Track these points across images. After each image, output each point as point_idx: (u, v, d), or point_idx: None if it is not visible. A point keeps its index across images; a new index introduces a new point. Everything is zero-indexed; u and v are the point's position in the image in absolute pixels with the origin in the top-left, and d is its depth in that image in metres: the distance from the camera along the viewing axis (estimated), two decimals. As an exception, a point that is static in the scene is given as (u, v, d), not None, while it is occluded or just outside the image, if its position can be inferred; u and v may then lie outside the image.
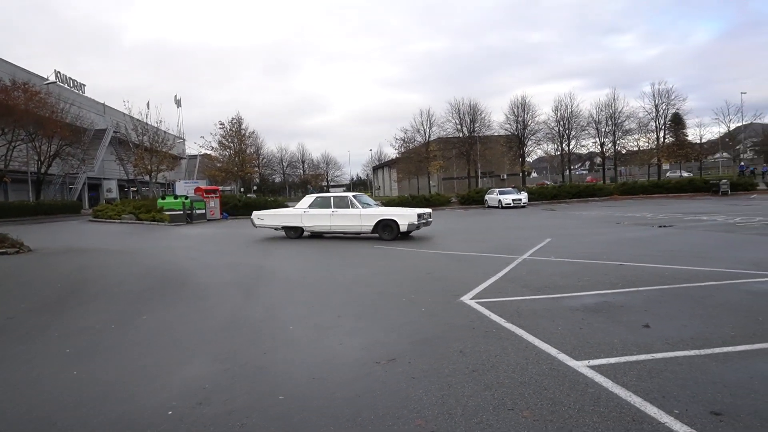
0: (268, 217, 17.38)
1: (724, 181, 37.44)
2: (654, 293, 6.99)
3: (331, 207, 16.17)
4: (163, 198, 30.78)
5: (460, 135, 55.24)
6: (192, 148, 65.55)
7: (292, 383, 4.32)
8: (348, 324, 6.18)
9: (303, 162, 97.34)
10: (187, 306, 7.51)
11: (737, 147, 59.86)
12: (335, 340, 5.52)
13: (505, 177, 65.01)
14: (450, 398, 3.84)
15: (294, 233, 16.85)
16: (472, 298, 7.12)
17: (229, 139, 48.49)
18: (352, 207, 15.98)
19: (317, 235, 16.92)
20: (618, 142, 53.66)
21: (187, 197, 29.43)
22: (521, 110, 53.77)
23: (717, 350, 4.60)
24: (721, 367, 4.21)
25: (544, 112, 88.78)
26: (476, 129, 54.96)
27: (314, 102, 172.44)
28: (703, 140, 55.54)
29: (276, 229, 17.44)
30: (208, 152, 52.90)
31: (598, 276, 8.42)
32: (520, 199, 34.22)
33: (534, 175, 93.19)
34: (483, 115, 55.09)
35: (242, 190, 59.60)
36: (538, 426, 3.34)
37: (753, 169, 53.66)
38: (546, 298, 6.97)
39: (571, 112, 54.10)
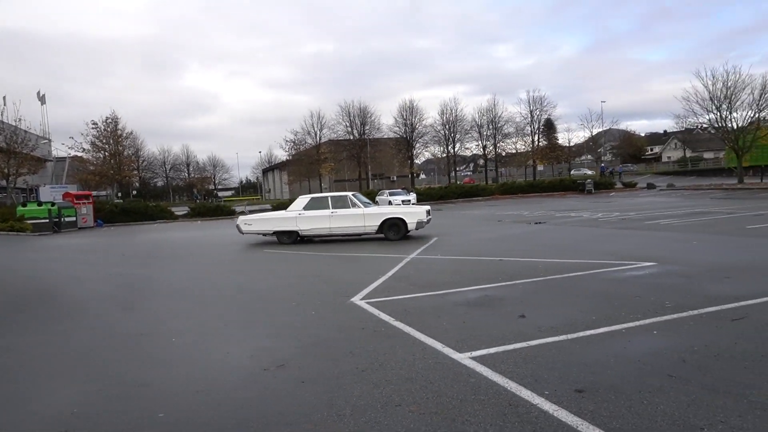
0: (257, 222, 15.91)
1: (589, 180, 41.41)
2: (530, 285, 7.54)
3: (329, 207, 14.99)
4: (25, 205, 27.67)
5: (351, 137, 55.69)
6: (60, 150, 59.63)
7: (175, 399, 4.09)
8: (235, 332, 5.98)
9: (188, 165, 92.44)
10: (55, 325, 6.82)
11: (599, 150, 66.42)
12: (222, 350, 5.31)
13: (395, 179, 66.61)
14: (339, 399, 3.85)
15: (288, 238, 15.34)
16: (362, 299, 7.21)
17: (104, 140, 44.74)
18: (354, 206, 14.95)
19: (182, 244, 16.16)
20: (498, 145, 57.19)
21: (54, 203, 26.73)
22: (409, 113, 55.39)
23: (581, 334, 5.06)
24: (584, 349, 4.64)
25: (431, 115, 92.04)
26: (366, 131, 55.71)
27: (199, 102, 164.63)
28: (572, 143, 61.08)
29: (264, 235, 16.00)
30: (79, 154, 48.42)
31: (480, 271, 8.91)
32: (409, 200, 35.25)
33: (423, 176, 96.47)
34: (373, 118, 56.01)
35: (119, 195, 55.29)
36: (423, 419, 3.45)
37: (611, 170, 60.02)
38: (432, 295, 7.24)
39: (456, 116, 56.69)
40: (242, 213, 25.15)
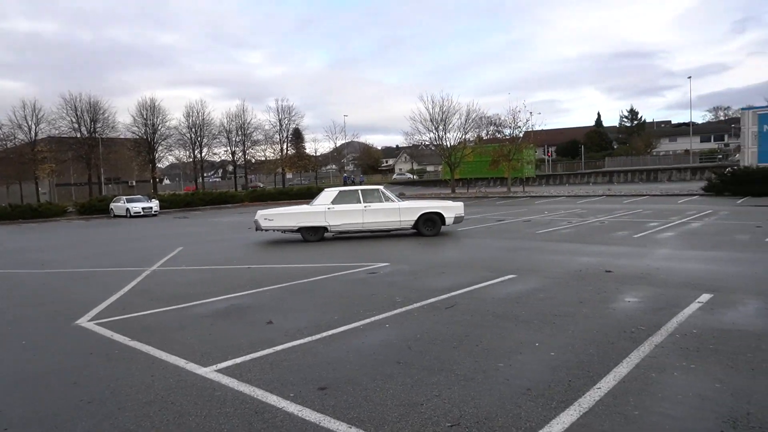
0: (279, 217, 14.23)
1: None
2: (277, 292, 7.67)
3: (360, 201, 14.07)
4: None
5: (79, 135, 48.62)
6: None
7: None
8: None
9: None
10: None
11: (342, 160, 71.63)
12: None
13: (134, 184, 60.55)
14: (58, 441, 3.31)
15: (314, 235, 14.14)
16: (90, 320, 6.34)
17: None
18: (387, 200, 14.17)
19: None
20: (248, 151, 56.83)
21: None
22: (150, 113, 51.00)
23: (325, 334, 5.36)
24: (327, 348, 4.93)
25: (175, 117, 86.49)
26: (98, 130, 49.34)
27: None
28: (318, 153, 64.40)
29: (284, 231, 14.43)
30: None
31: (228, 280, 8.71)
32: (151, 207, 32.44)
33: (167, 182, 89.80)
34: (107, 115, 49.87)
35: None
36: (163, 444, 3.21)
37: (353, 179, 65.29)
38: (175, 309, 6.79)
39: (203, 119, 54.43)
40: None
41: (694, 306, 5.83)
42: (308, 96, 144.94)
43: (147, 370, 4.52)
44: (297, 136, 63.08)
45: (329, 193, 14.61)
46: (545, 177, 55.11)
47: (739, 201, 22.47)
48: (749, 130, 28.64)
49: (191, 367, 4.54)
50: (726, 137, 77.10)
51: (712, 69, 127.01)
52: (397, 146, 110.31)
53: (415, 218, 14.21)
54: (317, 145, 63.92)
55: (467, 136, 44.85)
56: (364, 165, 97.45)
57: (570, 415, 3.33)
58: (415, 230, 14.43)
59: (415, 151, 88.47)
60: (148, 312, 6.67)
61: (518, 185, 45.05)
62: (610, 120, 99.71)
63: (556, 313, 5.77)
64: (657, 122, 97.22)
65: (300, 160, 59.47)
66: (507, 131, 42.01)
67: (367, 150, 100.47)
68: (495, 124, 43.06)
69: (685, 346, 4.55)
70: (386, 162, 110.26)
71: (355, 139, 72.20)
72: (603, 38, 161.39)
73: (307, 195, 44.36)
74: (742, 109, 31.91)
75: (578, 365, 4.20)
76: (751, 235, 11.83)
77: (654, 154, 70.61)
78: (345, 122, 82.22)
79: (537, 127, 41.81)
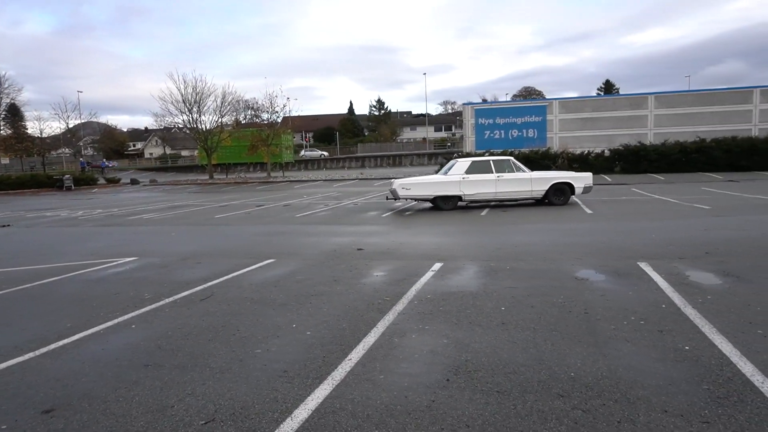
0: (416, 186, 14.67)
1: (67, 176, 38.10)
2: (-13, 302, 6.28)
3: (493, 171, 14.38)
4: None
5: None
6: None
7: None
8: None
9: None
10: None
11: (78, 143, 62.11)
12: None
13: None
14: None
15: (448, 204, 14.59)
16: None
17: None
18: (518, 170, 14.52)
19: None
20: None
21: None
22: None
23: (54, 346, 4.59)
24: (56, 363, 4.22)
25: None
26: None
27: None
28: (45, 135, 54.54)
29: (417, 200, 15.14)
30: None
31: None
32: None
33: None
34: None
35: None
36: None
37: (104, 165, 57.40)
38: None
39: None
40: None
41: (428, 274, 6.68)
42: (27, 66, 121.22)
43: None
44: (14, 114, 52.42)
45: (462, 163, 14.83)
46: (304, 162, 56.79)
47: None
48: (469, 122, 33.91)
49: None
50: (453, 128, 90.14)
51: (442, 68, 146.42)
52: (146, 128, 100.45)
53: (547, 188, 14.49)
54: (43, 124, 53.90)
55: (224, 119, 43.32)
56: (107, 149, 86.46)
57: (324, 390, 3.48)
58: (542, 201, 14.76)
59: (167, 135, 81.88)
60: None
61: (278, 170, 45.45)
62: (362, 108, 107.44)
63: (312, 293, 5.98)
64: (400, 112, 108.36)
65: (20, 142, 49.62)
66: (265, 116, 41.89)
67: (109, 132, 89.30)
68: (252, 108, 42.53)
69: (422, 310, 5.17)
70: (133, 146, 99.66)
71: (94, 119, 63.12)
72: (355, 31, 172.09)
73: (32, 184, 37.49)
74: (463, 104, 37.69)
75: (332, 341, 4.42)
76: (476, 211, 14.09)
77: (398, 141, 78.64)
78: (79, 99, 70.58)
79: (294, 113, 42.68)
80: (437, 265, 7.18)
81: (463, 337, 4.38)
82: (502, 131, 33.02)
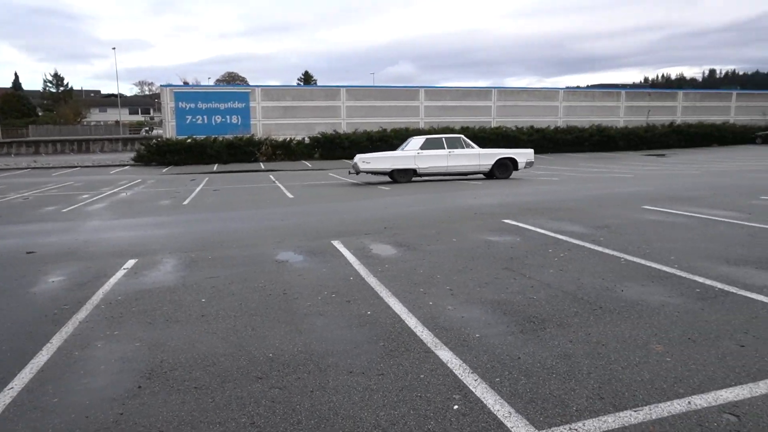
0: (375, 160, 15.70)
1: None
2: None
3: (445, 147, 15.47)
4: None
5: None
6: None
7: None
8: None
9: None
10: None
11: None
12: None
13: None
14: None
15: (404, 177, 15.63)
16: None
17: None
18: (467, 147, 15.67)
19: None
20: None
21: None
22: None
23: None
24: None
25: None
26: None
27: None
28: None
29: (376, 173, 15.92)
30: None
31: None
32: None
33: None
34: None
35: None
36: None
37: None
38: None
39: None
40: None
41: (119, 273, 6.00)
42: None
43: None
44: None
45: (416, 141, 15.97)
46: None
47: (165, 170, 24.84)
48: (168, 106, 31.64)
49: None
50: (152, 111, 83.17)
51: (137, 44, 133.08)
52: None
53: (492, 162, 15.68)
54: None
55: None
56: None
57: (-29, 434, 2.79)
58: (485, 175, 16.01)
59: None
60: None
61: None
62: (33, 83, 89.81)
63: (-43, 314, 4.74)
64: (86, 90, 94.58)
65: None
66: None
67: None
68: None
69: (110, 315, 4.62)
70: None
71: None
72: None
73: None
74: (162, 86, 34.81)
75: (-14, 369, 3.58)
76: (172, 200, 13.26)
77: (85, 123, 68.66)
78: None
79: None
80: (131, 262, 6.51)
81: (159, 336, 4.08)
82: (206, 116, 31.92)
